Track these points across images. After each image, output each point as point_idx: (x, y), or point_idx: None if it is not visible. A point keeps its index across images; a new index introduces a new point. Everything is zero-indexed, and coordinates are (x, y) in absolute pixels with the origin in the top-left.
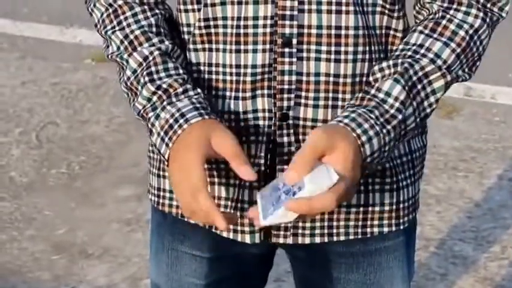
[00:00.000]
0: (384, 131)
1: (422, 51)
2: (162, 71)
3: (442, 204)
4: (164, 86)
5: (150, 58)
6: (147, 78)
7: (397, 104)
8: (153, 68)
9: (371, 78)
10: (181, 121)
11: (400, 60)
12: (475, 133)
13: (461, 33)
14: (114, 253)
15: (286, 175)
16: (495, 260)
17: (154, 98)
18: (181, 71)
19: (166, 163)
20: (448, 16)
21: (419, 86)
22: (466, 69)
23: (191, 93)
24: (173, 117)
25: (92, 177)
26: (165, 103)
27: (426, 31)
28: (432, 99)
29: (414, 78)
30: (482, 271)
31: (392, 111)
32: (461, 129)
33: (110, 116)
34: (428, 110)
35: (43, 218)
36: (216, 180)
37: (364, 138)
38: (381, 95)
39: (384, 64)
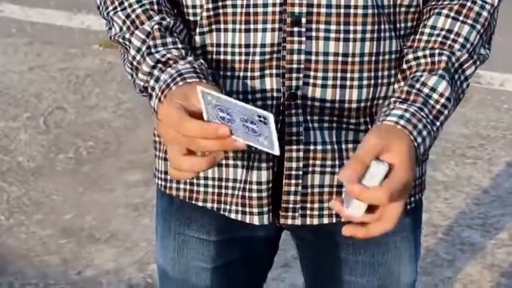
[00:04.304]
0: (434, 128)
1: (452, 36)
2: (160, 46)
3: (450, 191)
4: (163, 59)
5: (151, 34)
6: (145, 53)
7: (442, 100)
8: (151, 43)
9: (405, 66)
10: (178, 79)
11: (437, 51)
12: (484, 120)
13: (484, 13)
14: (122, 238)
15: (343, 173)
16: (502, 246)
17: (155, 72)
18: (180, 46)
19: (157, 116)
20: None
21: (456, 77)
22: (486, 45)
23: (194, 61)
24: (171, 77)
25: (99, 162)
26: (166, 68)
27: (452, 14)
28: (465, 85)
29: (452, 70)
30: (489, 258)
31: (438, 106)
32: (470, 116)
33: (118, 101)
34: (461, 96)
35: (51, 203)
36: (223, 162)
37: (419, 139)
38: (426, 90)
39: (420, 53)
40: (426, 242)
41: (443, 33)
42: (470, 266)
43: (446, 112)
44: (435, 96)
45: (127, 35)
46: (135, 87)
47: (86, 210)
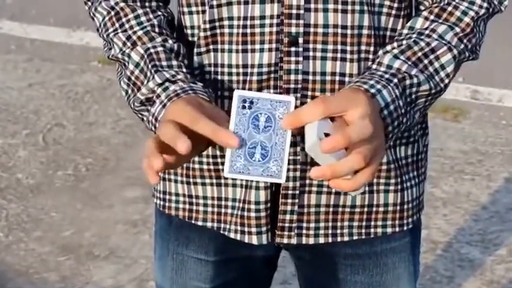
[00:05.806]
0: (392, 84)
1: (426, 32)
2: (167, 67)
3: (448, 207)
4: (173, 79)
5: (153, 51)
6: (153, 70)
7: (399, 74)
8: (157, 63)
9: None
10: (190, 92)
11: (404, 42)
12: (482, 136)
13: (467, 19)
14: (121, 254)
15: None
16: (502, 263)
17: (159, 90)
18: (185, 70)
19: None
20: (453, 3)
21: (426, 61)
22: (469, 52)
23: (201, 86)
24: (182, 88)
25: (98, 179)
26: (177, 81)
27: (432, 17)
28: (442, 74)
29: (419, 53)
30: (488, 274)
31: (395, 77)
32: (468, 132)
33: (117, 118)
34: (442, 85)
35: (50, 220)
36: (222, 181)
37: (373, 90)
38: (382, 68)
39: (389, 47)
40: (425, 259)
41: (418, 30)
42: (469, 283)
43: (405, 75)
44: (392, 71)
45: (127, 51)
46: (130, 103)
47: (85, 226)
